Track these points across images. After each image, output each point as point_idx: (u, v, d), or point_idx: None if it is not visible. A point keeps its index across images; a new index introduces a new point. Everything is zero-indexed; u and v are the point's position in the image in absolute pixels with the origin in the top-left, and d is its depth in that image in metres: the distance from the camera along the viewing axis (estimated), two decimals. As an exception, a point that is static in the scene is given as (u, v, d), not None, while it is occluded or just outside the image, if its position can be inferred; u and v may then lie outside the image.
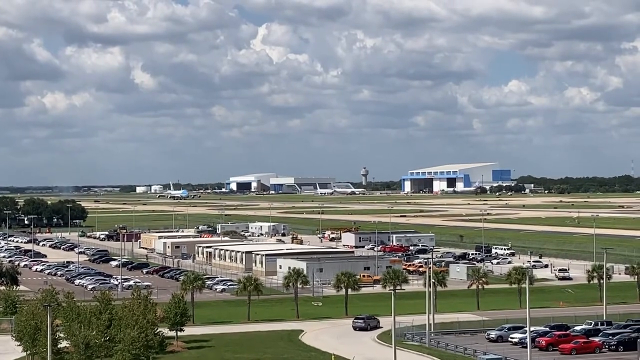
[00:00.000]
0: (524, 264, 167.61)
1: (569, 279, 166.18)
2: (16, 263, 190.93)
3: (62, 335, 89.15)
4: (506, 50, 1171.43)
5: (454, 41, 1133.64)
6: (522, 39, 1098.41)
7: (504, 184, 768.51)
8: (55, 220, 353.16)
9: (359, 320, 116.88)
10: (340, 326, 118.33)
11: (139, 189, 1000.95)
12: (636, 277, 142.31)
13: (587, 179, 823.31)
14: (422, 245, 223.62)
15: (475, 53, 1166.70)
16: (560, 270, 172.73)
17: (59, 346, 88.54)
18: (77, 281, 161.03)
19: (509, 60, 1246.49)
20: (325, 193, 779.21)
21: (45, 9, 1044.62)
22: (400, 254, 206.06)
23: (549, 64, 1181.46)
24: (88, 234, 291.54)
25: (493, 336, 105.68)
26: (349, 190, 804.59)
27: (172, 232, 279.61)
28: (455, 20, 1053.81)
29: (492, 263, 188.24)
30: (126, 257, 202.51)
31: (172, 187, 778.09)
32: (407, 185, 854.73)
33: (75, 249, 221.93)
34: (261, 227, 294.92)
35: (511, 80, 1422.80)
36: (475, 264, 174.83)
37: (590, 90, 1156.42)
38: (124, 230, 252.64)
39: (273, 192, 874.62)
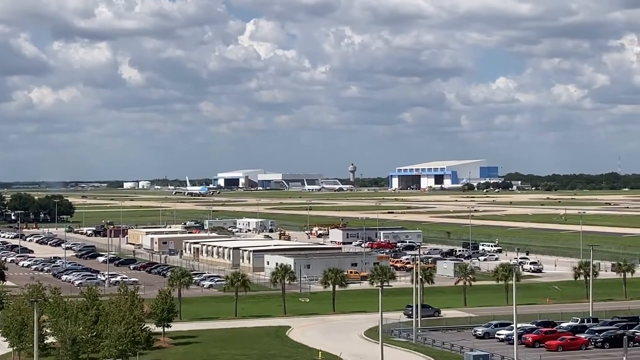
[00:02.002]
0: (510, 260, 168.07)
1: (541, 271, 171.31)
2: (3, 258, 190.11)
3: (48, 331, 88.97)
4: (494, 47, 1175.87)
5: (441, 38, 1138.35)
6: (509, 36, 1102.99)
7: (492, 181, 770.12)
8: (43, 215, 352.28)
9: (409, 308, 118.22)
10: (328, 322, 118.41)
11: (126, 185, 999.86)
12: (622, 274, 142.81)
13: (574, 176, 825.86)
14: (409, 242, 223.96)
15: (463, 50, 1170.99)
16: (531, 263, 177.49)
17: (45, 342, 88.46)
18: (64, 277, 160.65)
19: (496, 57, 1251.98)
20: (313, 189, 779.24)
21: (33, 4, 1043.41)
22: (387, 251, 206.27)
23: (536, 61, 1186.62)
24: (75, 230, 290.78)
25: (480, 333, 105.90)
26: (336, 187, 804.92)
27: (159, 227, 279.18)
28: (443, 17, 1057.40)
29: (479, 260, 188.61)
30: (113, 252, 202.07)
31: (188, 183, 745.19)
32: (395, 182, 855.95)
33: (62, 245, 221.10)
34: (249, 223, 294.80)
35: (499, 77, 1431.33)
36: (462, 261, 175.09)
37: (577, 88, 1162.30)
38: (111, 226, 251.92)
39: (261, 188, 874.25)
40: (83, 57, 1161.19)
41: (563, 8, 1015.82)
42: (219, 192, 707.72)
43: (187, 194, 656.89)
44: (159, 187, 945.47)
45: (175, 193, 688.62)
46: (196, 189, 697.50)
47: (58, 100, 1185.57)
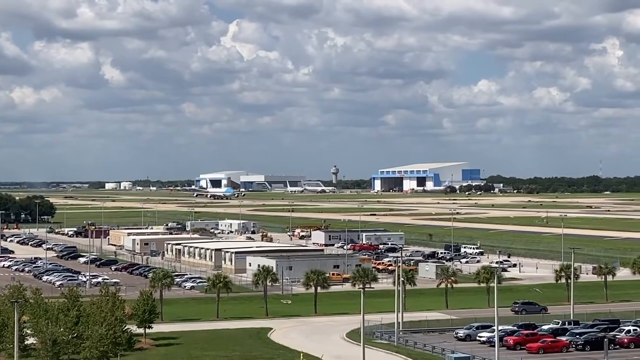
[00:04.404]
0: (491, 263, 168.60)
1: (506, 270, 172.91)
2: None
3: (29, 331, 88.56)
4: (476, 50, 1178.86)
5: (424, 40, 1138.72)
6: (492, 39, 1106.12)
7: (474, 184, 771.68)
8: (24, 216, 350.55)
9: (515, 305, 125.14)
10: (310, 324, 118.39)
11: (108, 185, 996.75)
12: (603, 277, 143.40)
13: (555, 179, 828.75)
14: (391, 244, 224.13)
15: (446, 52, 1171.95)
16: (497, 262, 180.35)
17: (26, 343, 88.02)
18: (44, 277, 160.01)
19: (478, 60, 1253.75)
20: (295, 191, 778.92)
21: (14, 4, 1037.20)
22: (369, 253, 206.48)
23: (518, 64, 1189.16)
24: (56, 230, 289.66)
25: (461, 335, 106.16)
26: (319, 189, 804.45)
27: (141, 229, 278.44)
28: (426, 19, 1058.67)
29: (461, 262, 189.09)
30: (95, 253, 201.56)
31: (209, 184, 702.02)
32: (377, 184, 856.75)
33: (43, 245, 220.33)
34: (231, 224, 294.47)
35: (481, 80, 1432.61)
36: (444, 263, 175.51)
37: (559, 91, 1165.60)
38: (93, 227, 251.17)
39: (243, 189, 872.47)
40: (65, 57, 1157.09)
41: (545, 11, 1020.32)
42: (243, 195, 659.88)
43: (210, 197, 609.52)
44: (140, 188, 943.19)
45: (196, 195, 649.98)
46: (220, 190, 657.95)
47: (40, 100, 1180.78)
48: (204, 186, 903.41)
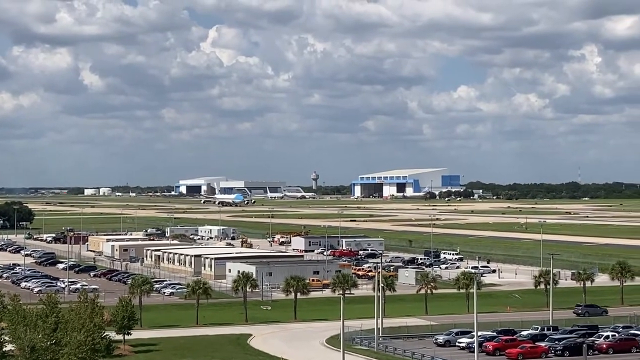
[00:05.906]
0: (466, 269, 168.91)
1: (483, 275, 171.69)
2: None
3: (7, 338, 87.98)
4: (455, 56, 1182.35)
5: (403, 46, 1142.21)
6: (471, 46, 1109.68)
7: (453, 190, 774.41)
8: (2, 222, 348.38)
9: (578, 308, 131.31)
10: (289, 330, 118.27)
11: (87, 191, 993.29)
12: (582, 282, 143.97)
13: (534, 185, 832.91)
14: (371, 250, 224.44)
15: (425, 59, 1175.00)
16: (473, 267, 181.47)
17: (4, 349, 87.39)
18: (23, 284, 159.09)
19: (458, 66, 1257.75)
20: (275, 197, 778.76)
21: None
22: (349, 259, 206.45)
23: (497, 71, 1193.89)
24: (35, 237, 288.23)
25: (441, 341, 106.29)
26: (299, 195, 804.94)
27: (120, 235, 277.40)
28: (405, 25, 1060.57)
29: (440, 268, 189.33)
30: (73, 259, 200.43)
31: (217, 190, 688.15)
32: (357, 190, 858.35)
33: (21, 252, 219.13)
34: (210, 230, 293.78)
35: (460, 86, 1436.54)
36: (424, 269, 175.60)
37: (538, 97, 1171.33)
38: (72, 233, 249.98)
39: (249, 196, 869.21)
40: (43, 63, 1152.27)
41: (524, 18, 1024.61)
42: (253, 202, 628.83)
43: (218, 204, 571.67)
44: (120, 194, 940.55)
45: (203, 202, 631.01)
46: (229, 197, 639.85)
47: (18, 105, 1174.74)
48: (184, 192, 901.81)
